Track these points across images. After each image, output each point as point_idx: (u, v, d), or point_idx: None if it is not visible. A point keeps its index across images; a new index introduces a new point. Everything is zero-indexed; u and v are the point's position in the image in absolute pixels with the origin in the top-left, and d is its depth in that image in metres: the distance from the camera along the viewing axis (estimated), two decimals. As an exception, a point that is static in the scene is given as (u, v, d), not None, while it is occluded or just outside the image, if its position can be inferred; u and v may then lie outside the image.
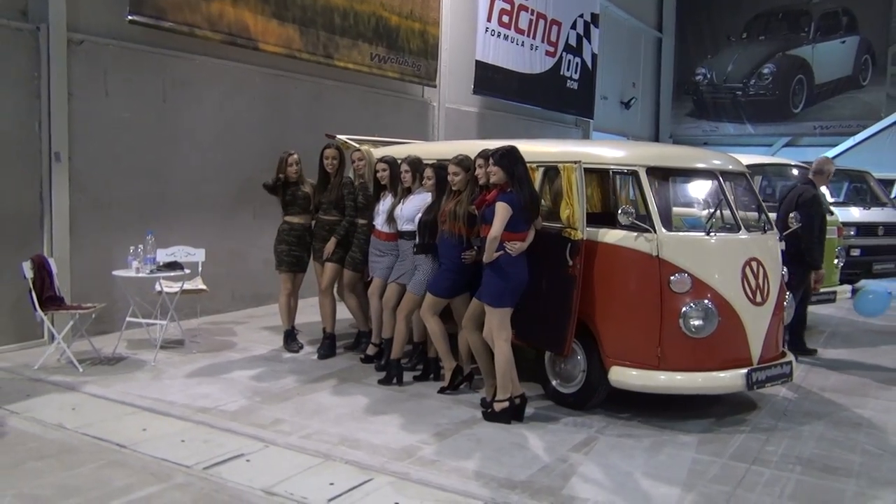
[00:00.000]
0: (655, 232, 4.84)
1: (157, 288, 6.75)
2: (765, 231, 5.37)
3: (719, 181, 5.29)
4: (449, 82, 11.63)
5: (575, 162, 4.94)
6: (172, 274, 6.48)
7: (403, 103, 10.97)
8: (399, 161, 6.00)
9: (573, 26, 14.68)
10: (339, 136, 7.39)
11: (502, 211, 4.70)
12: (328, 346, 6.63)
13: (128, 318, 6.52)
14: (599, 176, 6.17)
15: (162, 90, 7.60)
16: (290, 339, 6.82)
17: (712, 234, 4.99)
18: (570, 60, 14.73)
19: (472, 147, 5.46)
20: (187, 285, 6.73)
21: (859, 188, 11.35)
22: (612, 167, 5.20)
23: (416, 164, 5.95)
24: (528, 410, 5.05)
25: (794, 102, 18.72)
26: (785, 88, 18.70)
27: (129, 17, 6.83)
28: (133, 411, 5.02)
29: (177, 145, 7.83)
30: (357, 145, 6.90)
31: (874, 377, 6.33)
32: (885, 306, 7.02)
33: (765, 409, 5.40)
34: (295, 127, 9.11)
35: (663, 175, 5.17)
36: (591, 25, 15.34)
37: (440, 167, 5.68)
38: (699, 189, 5.39)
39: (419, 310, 5.69)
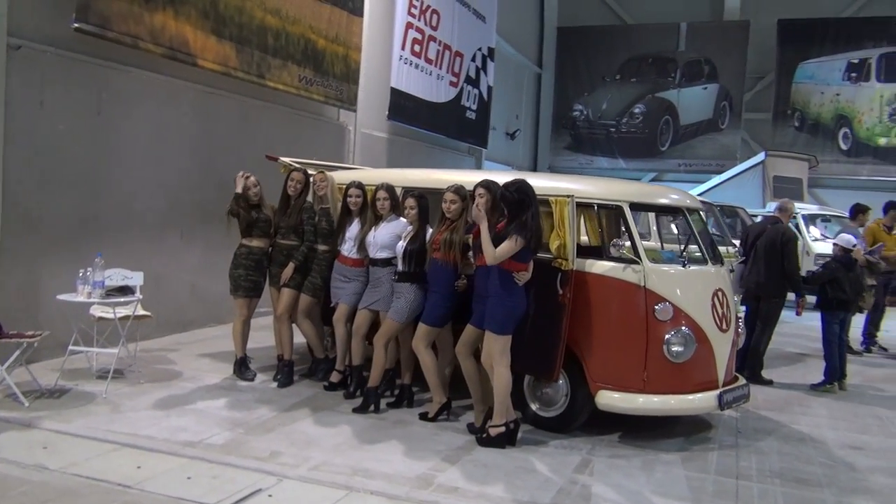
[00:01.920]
0: (641, 263, 5.18)
1: (96, 314, 6.32)
2: (721, 263, 5.87)
3: (685, 216, 5.74)
4: (363, 107, 11.66)
5: (568, 196, 5.20)
6: (124, 300, 6.10)
7: (322, 126, 10.88)
8: (378, 188, 6.00)
9: (473, 59, 15.17)
10: (282, 159, 7.29)
11: (511, 241, 4.86)
12: (287, 374, 6.46)
13: (70, 347, 6.06)
14: (583, 210, 6.44)
15: (97, 102, 7.15)
16: (244, 367, 6.59)
17: (688, 266, 5.41)
18: (469, 91, 15.19)
19: (437, 175, 5.60)
20: (128, 311, 6.34)
21: (732, 222, 12.59)
22: (597, 202, 5.50)
23: (393, 192, 6.00)
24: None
25: (661, 141, 20.24)
26: (653, 128, 20.19)
27: (75, 25, 6.42)
28: (114, 448, 4.68)
29: (109, 161, 7.38)
30: (297, 166, 6.83)
31: (792, 397, 6.99)
32: None
33: (719, 427, 5.85)
34: (222, 146, 8.84)
35: (643, 210, 5.53)
36: (488, 59, 15.92)
37: (421, 196, 5.76)
38: (670, 223, 5.82)
39: (397, 337, 5.72)
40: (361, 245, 6.08)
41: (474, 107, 15.52)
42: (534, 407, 5.57)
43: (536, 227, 5.06)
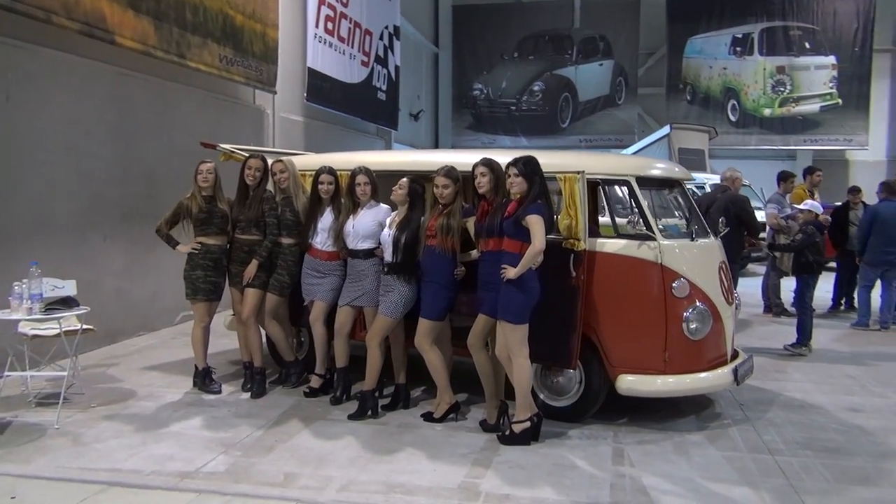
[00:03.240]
0: (657, 239, 4.96)
1: (29, 332, 5.46)
2: (716, 235, 5.76)
3: (682, 188, 5.58)
4: (280, 90, 10.91)
5: (578, 172, 4.89)
6: (70, 313, 5.28)
7: (240, 110, 10.07)
8: (356, 172, 5.47)
9: (381, 37, 14.61)
10: (221, 146, 6.60)
11: (540, 224, 4.50)
12: (260, 383, 5.84)
13: (7, 372, 5.18)
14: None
15: (5, 86, 6.17)
16: (208, 378, 5.90)
17: (697, 240, 5.24)
18: (379, 71, 14.63)
19: (398, 158, 5.18)
20: (74, 325, 5.53)
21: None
22: (602, 177, 5.21)
23: (372, 176, 5.49)
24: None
25: (561, 118, 20.41)
26: (553, 105, 20.32)
27: (-18, -4, 5.47)
28: (100, 489, 3.97)
29: (21, 154, 6.41)
30: (256, 153, 6.20)
31: (764, 363, 7.01)
32: None
33: (721, 402, 5.76)
34: (142, 135, 7.96)
35: (646, 184, 5.31)
36: (394, 38, 15.39)
37: (412, 179, 5.30)
38: (670, 197, 5.63)
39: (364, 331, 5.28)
40: (338, 236, 5.54)
41: (384, 87, 14.98)
42: (542, 396, 5.25)
43: (551, 205, 4.75)
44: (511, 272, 4.56)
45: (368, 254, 5.45)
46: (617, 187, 6.05)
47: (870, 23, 18.75)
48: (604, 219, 5.88)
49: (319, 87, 11.80)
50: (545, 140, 20.25)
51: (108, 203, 7.45)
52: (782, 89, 19.24)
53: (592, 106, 20.30)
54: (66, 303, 5.30)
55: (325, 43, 11.92)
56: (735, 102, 19.56)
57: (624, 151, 16.57)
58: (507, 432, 4.78)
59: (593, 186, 5.41)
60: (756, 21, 19.26)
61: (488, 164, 4.87)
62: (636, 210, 5.13)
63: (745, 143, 19.34)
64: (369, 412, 5.27)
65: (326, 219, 5.67)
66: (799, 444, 4.85)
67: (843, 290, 10.29)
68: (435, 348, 5.08)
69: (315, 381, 5.80)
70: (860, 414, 5.55)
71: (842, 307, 10.22)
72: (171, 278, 8.31)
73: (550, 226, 4.72)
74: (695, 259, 5.16)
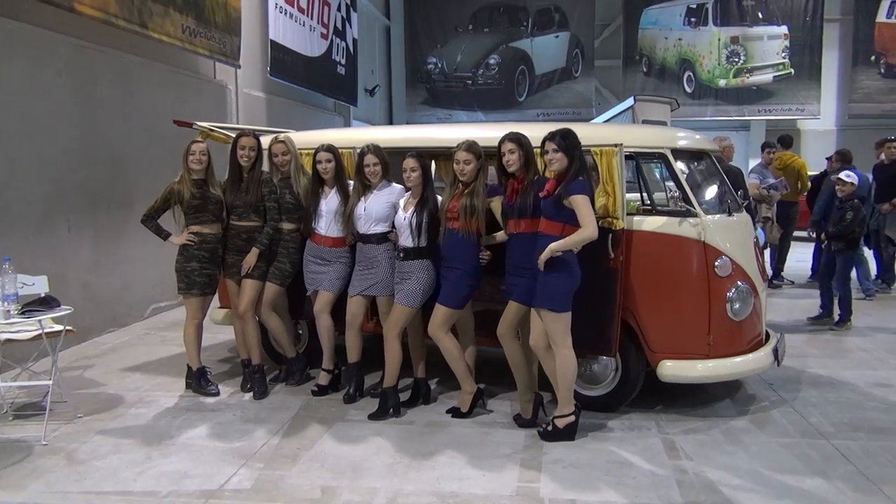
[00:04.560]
0: (699, 216, 4.66)
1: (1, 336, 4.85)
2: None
3: (712, 160, 5.29)
4: (243, 64, 10.23)
5: (615, 145, 4.53)
6: (53, 314, 4.68)
7: (203, 86, 9.38)
8: (365, 151, 4.99)
9: (339, 8, 13.94)
10: (198, 124, 6.04)
11: (588, 206, 4.13)
12: (261, 382, 5.36)
13: (-19, 384, 4.59)
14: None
15: (-45, 61, 5.46)
16: (203, 379, 5.39)
17: (733, 215, 4.96)
18: (338, 44, 13.98)
19: (407, 133, 4.78)
20: (56, 327, 4.93)
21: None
22: (637, 150, 4.86)
23: (383, 155, 5.02)
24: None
25: (518, 91, 20.00)
26: (510, 78, 19.88)
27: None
28: (115, 517, 3.49)
29: (-25, 138, 5.71)
30: (230, 135, 5.71)
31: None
32: None
33: (749, 383, 5.53)
34: (106, 113, 7.26)
35: (681, 157, 4.99)
36: (351, 9, 14.73)
37: (418, 155, 4.86)
38: (701, 170, 5.31)
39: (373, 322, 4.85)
40: (348, 220, 5.08)
41: (343, 61, 14.34)
42: (575, 386, 4.92)
43: (591, 181, 4.39)
44: (546, 253, 4.18)
45: (382, 238, 5.00)
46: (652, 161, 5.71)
47: (821, -8, 18.90)
48: (632, 195, 5.53)
49: (282, 61, 11.16)
50: (503, 114, 19.82)
51: (70, 188, 6.77)
52: (736, 60, 19.26)
53: (549, 79, 19.96)
54: (47, 302, 4.70)
55: (286, 14, 11.25)
56: (691, 73, 19.49)
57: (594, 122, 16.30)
58: (550, 427, 4.44)
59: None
60: (710, -9, 19.20)
61: (516, 139, 4.47)
62: (675, 184, 4.81)
63: (702, 114, 19.32)
64: (391, 410, 4.86)
65: (331, 201, 5.20)
66: (848, 426, 4.66)
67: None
68: (451, 335, 4.71)
69: (323, 378, 5.35)
70: (891, 389, 5.42)
71: (821, 277, 10.21)
72: (140, 269, 7.74)
73: (591, 205, 4.37)
74: (734, 235, 4.88)
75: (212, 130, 6.01)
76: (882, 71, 19.11)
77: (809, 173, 11.31)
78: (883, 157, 9.44)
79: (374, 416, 4.82)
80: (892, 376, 5.73)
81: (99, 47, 7.11)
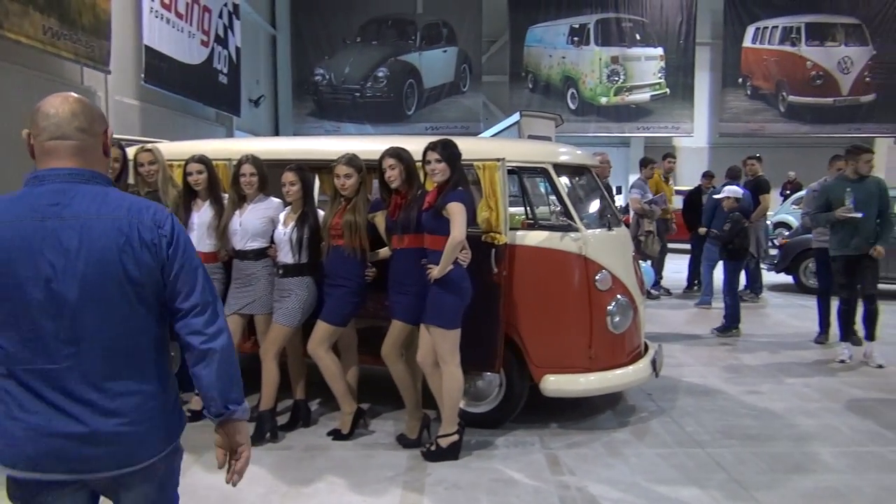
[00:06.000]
0: (580, 230, 4.69)
1: None
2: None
3: (591, 174, 5.37)
4: (114, 70, 9.68)
5: (498, 160, 4.50)
6: None
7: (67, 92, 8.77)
8: (242, 161, 4.76)
9: (220, 15, 13.50)
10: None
11: (462, 214, 4.06)
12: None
13: None
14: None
15: None
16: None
17: (613, 229, 5.04)
18: (220, 52, 13.53)
19: (287, 146, 4.64)
20: None
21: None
22: (519, 165, 4.84)
23: (261, 166, 4.81)
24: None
25: (407, 105, 20.02)
26: (398, 91, 19.87)
27: None
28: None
29: None
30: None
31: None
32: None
33: (629, 393, 5.63)
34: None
35: (561, 172, 5.01)
36: (234, 16, 14.31)
37: (300, 168, 4.69)
38: (582, 185, 5.36)
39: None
40: (222, 235, 4.83)
41: (225, 70, 13.89)
42: (461, 403, 4.84)
43: (470, 192, 4.34)
44: (435, 271, 4.12)
45: (259, 254, 4.77)
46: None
47: (692, 17, 19.93)
48: (516, 209, 5.54)
49: (157, 68, 10.65)
50: (391, 127, 19.77)
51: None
52: (616, 79, 20.02)
53: (438, 93, 20.08)
54: None
55: (162, 19, 10.76)
56: (574, 91, 20.11)
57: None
58: (433, 447, 4.33)
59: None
60: (591, 12, 19.88)
61: (396, 154, 4.37)
62: (556, 199, 4.84)
63: (585, 130, 19.92)
64: (267, 435, 4.62)
65: (204, 214, 4.92)
66: (721, 434, 4.80)
67: (696, 270, 10.74)
68: (331, 353, 4.55)
69: (196, 403, 5.04)
70: (762, 396, 5.64)
71: (696, 287, 10.66)
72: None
73: (473, 216, 4.33)
74: (613, 250, 4.95)
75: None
76: (748, 92, 20.35)
77: (683, 188, 11.83)
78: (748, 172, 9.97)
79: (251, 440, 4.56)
80: (760, 384, 5.98)
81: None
